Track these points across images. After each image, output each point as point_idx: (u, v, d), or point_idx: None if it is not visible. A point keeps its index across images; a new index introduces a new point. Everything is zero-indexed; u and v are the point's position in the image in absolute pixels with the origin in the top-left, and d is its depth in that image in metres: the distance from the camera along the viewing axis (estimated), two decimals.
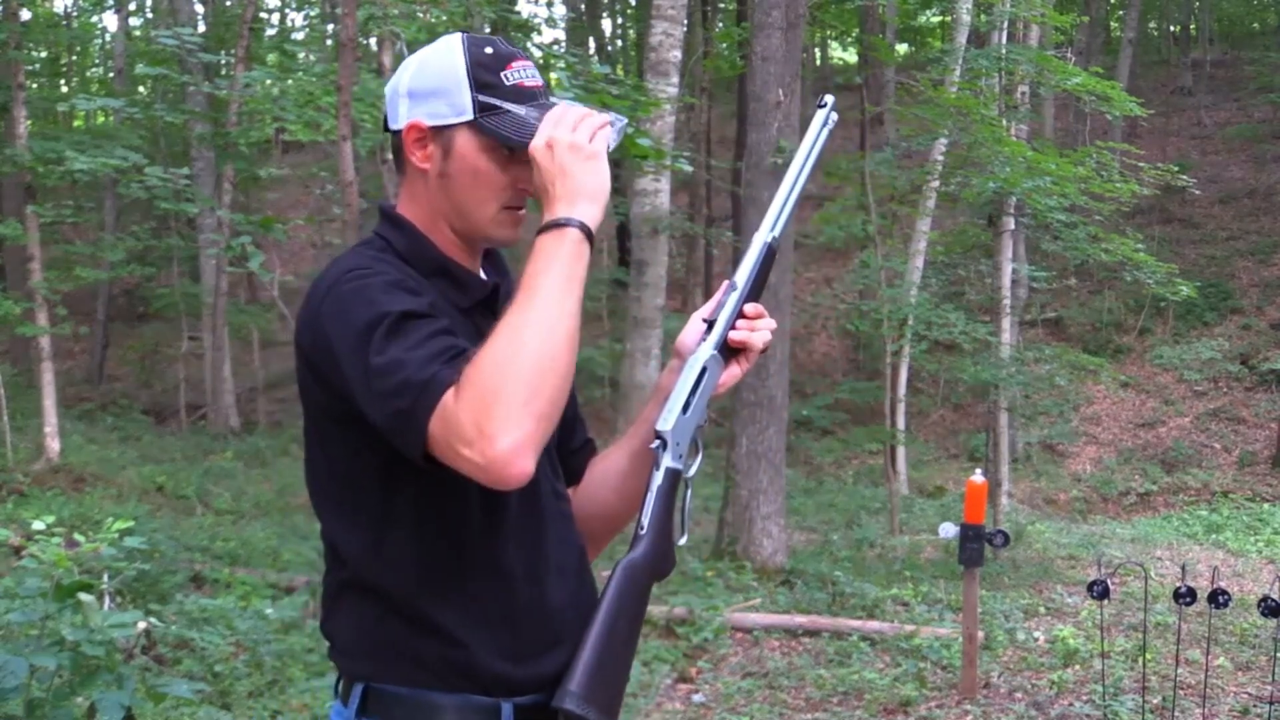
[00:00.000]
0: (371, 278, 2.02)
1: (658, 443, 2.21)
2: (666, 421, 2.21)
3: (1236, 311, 25.15)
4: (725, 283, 2.34)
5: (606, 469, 2.40)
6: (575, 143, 2.05)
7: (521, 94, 2.16)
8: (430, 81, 2.15)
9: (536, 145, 2.07)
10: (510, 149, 2.14)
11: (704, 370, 2.24)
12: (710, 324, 2.29)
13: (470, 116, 2.13)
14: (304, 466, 2.23)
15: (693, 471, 2.24)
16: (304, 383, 2.12)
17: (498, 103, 2.13)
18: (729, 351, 2.27)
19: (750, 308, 2.31)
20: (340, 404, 2.02)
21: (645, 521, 2.17)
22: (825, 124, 2.50)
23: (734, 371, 2.28)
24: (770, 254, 2.38)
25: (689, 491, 2.25)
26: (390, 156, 10.35)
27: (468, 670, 2.08)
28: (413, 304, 1.98)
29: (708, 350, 2.25)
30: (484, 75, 2.14)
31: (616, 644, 2.10)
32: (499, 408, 1.83)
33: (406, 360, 1.90)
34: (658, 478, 2.20)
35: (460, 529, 2.07)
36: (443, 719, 2.08)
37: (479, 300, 2.19)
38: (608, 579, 2.14)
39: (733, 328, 2.28)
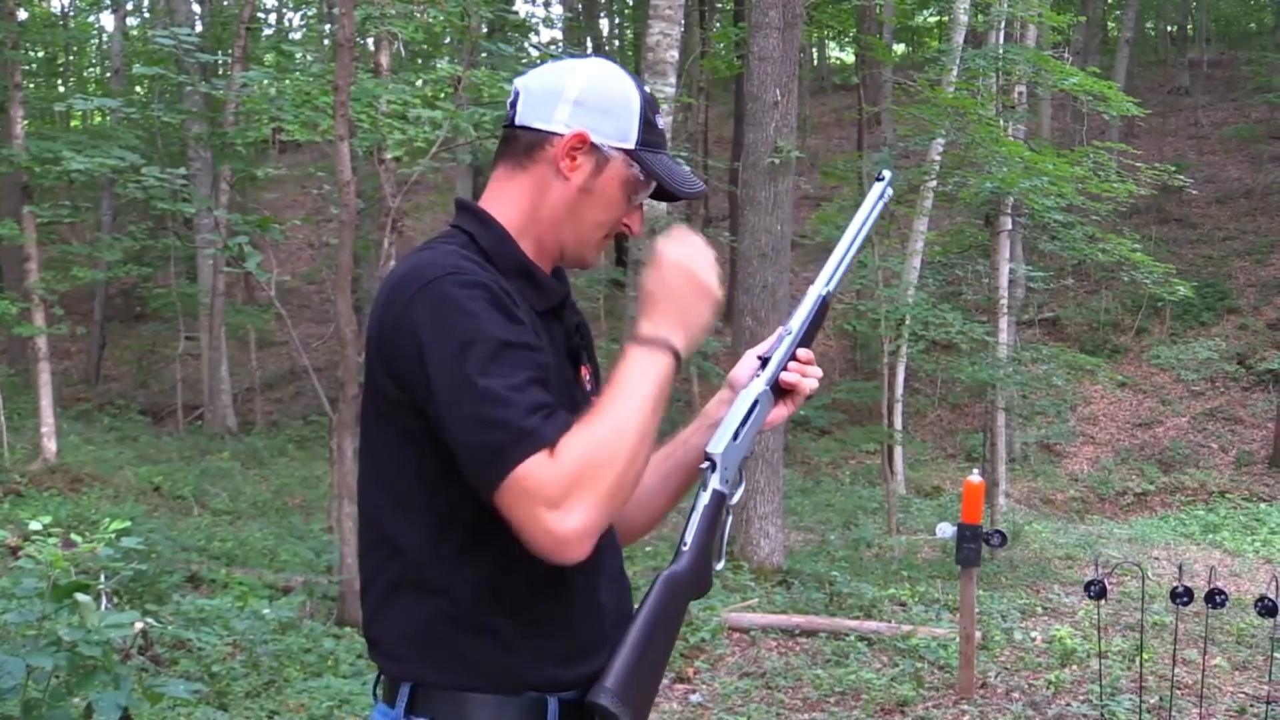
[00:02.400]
0: (474, 288, 2.01)
1: (707, 464, 2.26)
2: (718, 445, 2.26)
3: (1233, 311, 25.17)
4: (780, 327, 2.41)
5: None
6: (699, 277, 2.15)
7: (663, 141, 2.26)
8: (604, 99, 2.19)
9: (667, 254, 2.16)
10: (636, 189, 2.22)
11: (756, 403, 2.31)
12: (764, 361, 2.35)
13: (632, 146, 2.20)
14: (359, 457, 2.21)
15: (735, 499, 2.29)
16: (374, 373, 2.10)
17: (655, 142, 2.23)
18: (778, 391, 2.34)
19: (803, 353, 2.37)
20: (412, 402, 2.02)
21: (689, 538, 2.21)
22: (882, 197, 2.53)
23: (781, 411, 2.35)
24: (824, 306, 2.43)
25: (729, 518, 2.29)
26: (385, 158, 10.30)
27: (521, 672, 2.09)
28: (513, 333, 2.00)
29: (761, 385, 2.32)
30: (649, 113, 2.23)
31: (653, 652, 2.13)
32: (590, 489, 1.92)
33: (512, 400, 1.93)
34: (704, 498, 2.24)
35: (518, 550, 2.03)
36: (492, 716, 2.09)
37: (552, 305, 2.21)
38: (648, 588, 2.17)
39: (784, 369, 2.34)
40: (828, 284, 2.44)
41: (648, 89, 2.25)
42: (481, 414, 1.92)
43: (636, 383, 2.04)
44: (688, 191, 2.27)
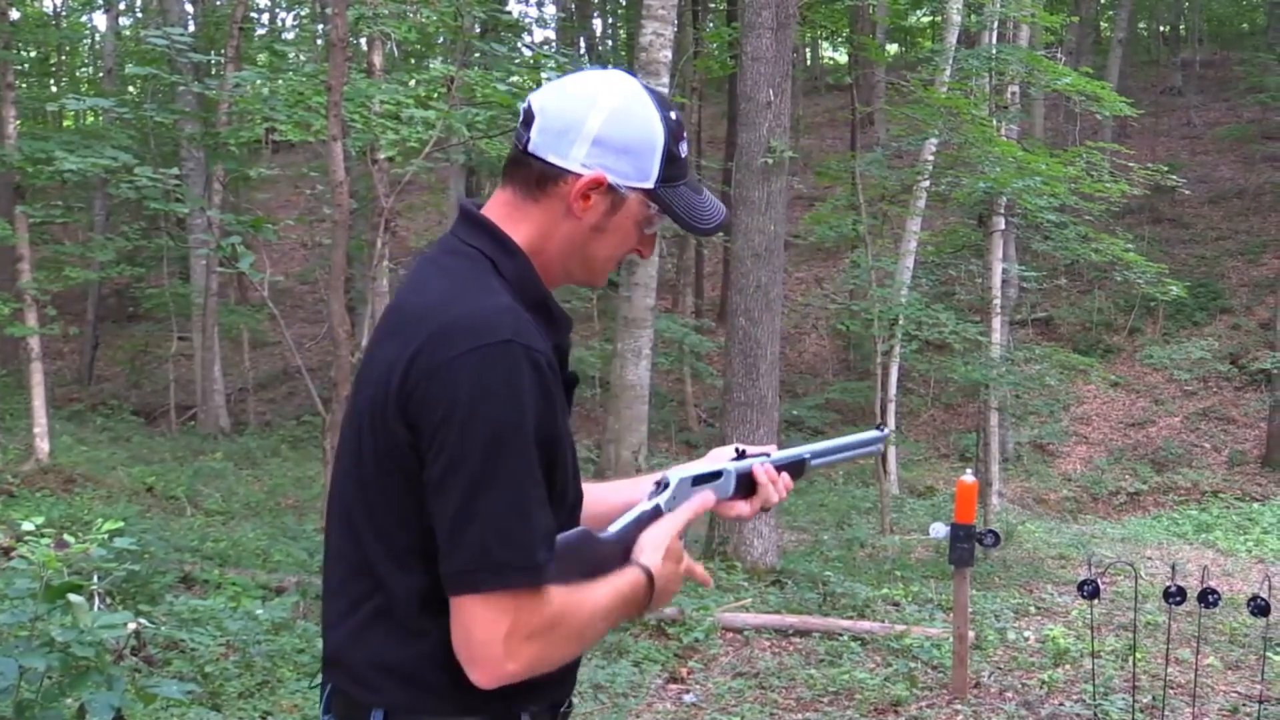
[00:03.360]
0: (529, 369, 1.94)
1: (662, 478, 2.29)
2: (676, 474, 2.30)
3: (1226, 311, 25.22)
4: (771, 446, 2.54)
5: (597, 515, 2.34)
6: (670, 590, 2.21)
7: (684, 171, 2.18)
8: (625, 138, 2.09)
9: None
10: (651, 222, 2.19)
11: (721, 472, 2.36)
12: (742, 454, 2.43)
13: (651, 185, 2.13)
14: (345, 483, 2.12)
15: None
16: (382, 409, 1.99)
17: (676, 176, 2.16)
18: (744, 485, 2.39)
19: (784, 477, 2.46)
20: (417, 449, 1.96)
21: (615, 526, 2.21)
22: (874, 445, 2.70)
23: (740, 506, 2.41)
24: (803, 465, 2.54)
25: None
26: (378, 158, 10.30)
27: (496, 701, 2.05)
28: (549, 427, 1.98)
29: (731, 465, 2.39)
30: (673, 147, 2.14)
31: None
32: (546, 650, 1.97)
33: (531, 519, 1.94)
34: (645, 505, 2.25)
35: None
36: None
37: (561, 338, 2.16)
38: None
39: (759, 470, 2.41)
40: (814, 456, 2.55)
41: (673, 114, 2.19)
42: (496, 521, 1.90)
43: (617, 587, 2.09)
44: (706, 226, 2.23)
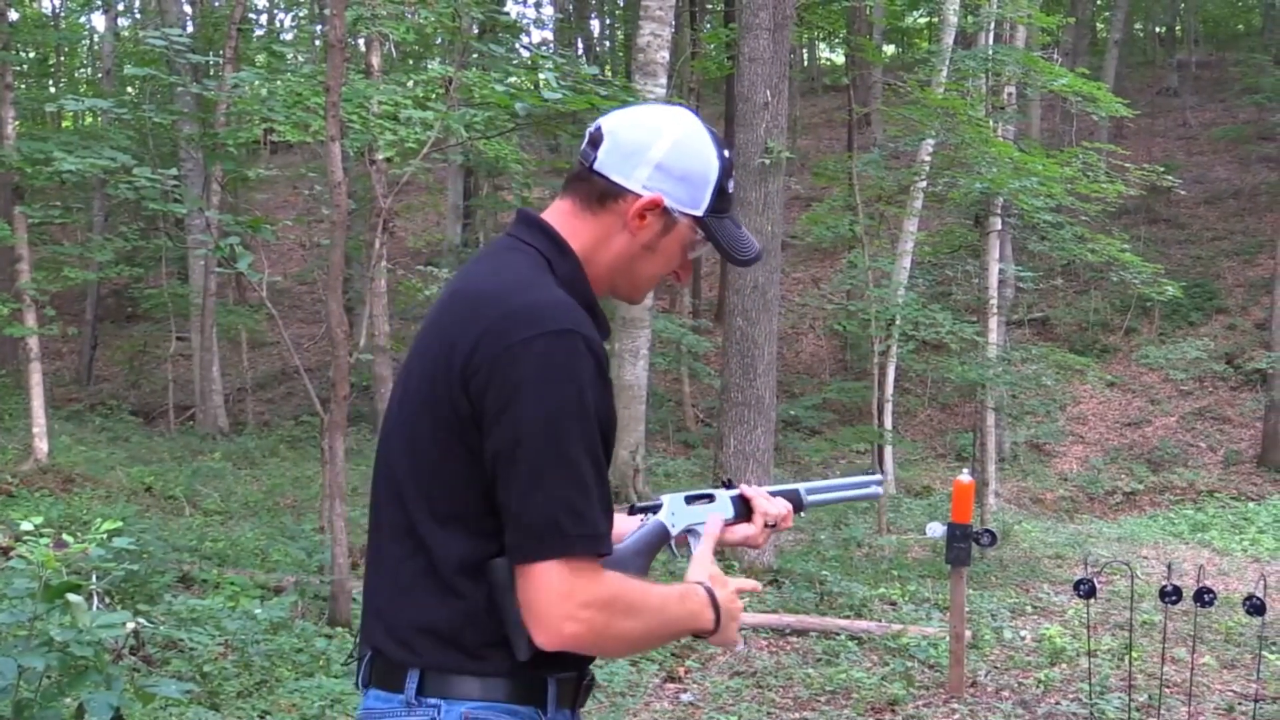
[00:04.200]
0: (588, 355, 2.08)
1: (651, 504, 2.48)
2: (667, 497, 2.47)
3: (1222, 311, 25.23)
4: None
5: None
6: (735, 610, 2.38)
7: (730, 205, 2.37)
8: (686, 166, 2.26)
9: (716, 580, 2.37)
10: (695, 247, 2.35)
11: (713, 495, 2.51)
12: (729, 483, 2.59)
13: (700, 214, 2.30)
14: (395, 450, 2.25)
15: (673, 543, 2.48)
16: (445, 384, 2.12)
17: (723, 208, 2.34)
18: (741, 508, 2.56)
19: (782, 501, 2.64)
20: (480, 425, 2.08)
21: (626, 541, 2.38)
22: (866, 488, 2.84)
23: (745, 529, 2.57)
24: (798, 497, 2.68)
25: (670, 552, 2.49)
26: (377, 159, 10.31)
27: (536, 660, 2.14)
28: (605, 410, 2.11)
29: (723, 491, 2.54)
30: (724, 182, 2.32)
31: None
32: (599, 620, 2.06)
33: (593, 493, 2.06)
34: (648, 522, 2.44)
35: None
36: (500, 695, 2.16)
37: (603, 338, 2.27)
38: None
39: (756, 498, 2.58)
40: (809, 492, 2.71)
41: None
42: (562, 494, 2.02)
43: (690, 604, 2.27)
44: (745, 258, 2.41)
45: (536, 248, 2.24)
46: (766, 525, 2.58)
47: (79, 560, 4.85)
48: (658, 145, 2.24)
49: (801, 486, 2.67)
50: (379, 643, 2.23)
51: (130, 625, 5.53)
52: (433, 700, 2.15)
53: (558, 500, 2.01)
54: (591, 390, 2.06)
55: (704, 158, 2.28)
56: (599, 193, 2.26)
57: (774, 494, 2.61)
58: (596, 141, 2.26)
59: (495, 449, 2.05)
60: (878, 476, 2.85)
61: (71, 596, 4.39)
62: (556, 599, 2.01)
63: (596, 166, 2.25)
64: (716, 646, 2.34)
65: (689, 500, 2.47)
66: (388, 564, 2.22)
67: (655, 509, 2.43)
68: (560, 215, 2.29)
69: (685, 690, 7.55)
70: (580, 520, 2.02)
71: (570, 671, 2.22)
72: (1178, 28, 40.01)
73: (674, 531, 2.43)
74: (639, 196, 2.23)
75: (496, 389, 2.05)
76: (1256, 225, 27.69)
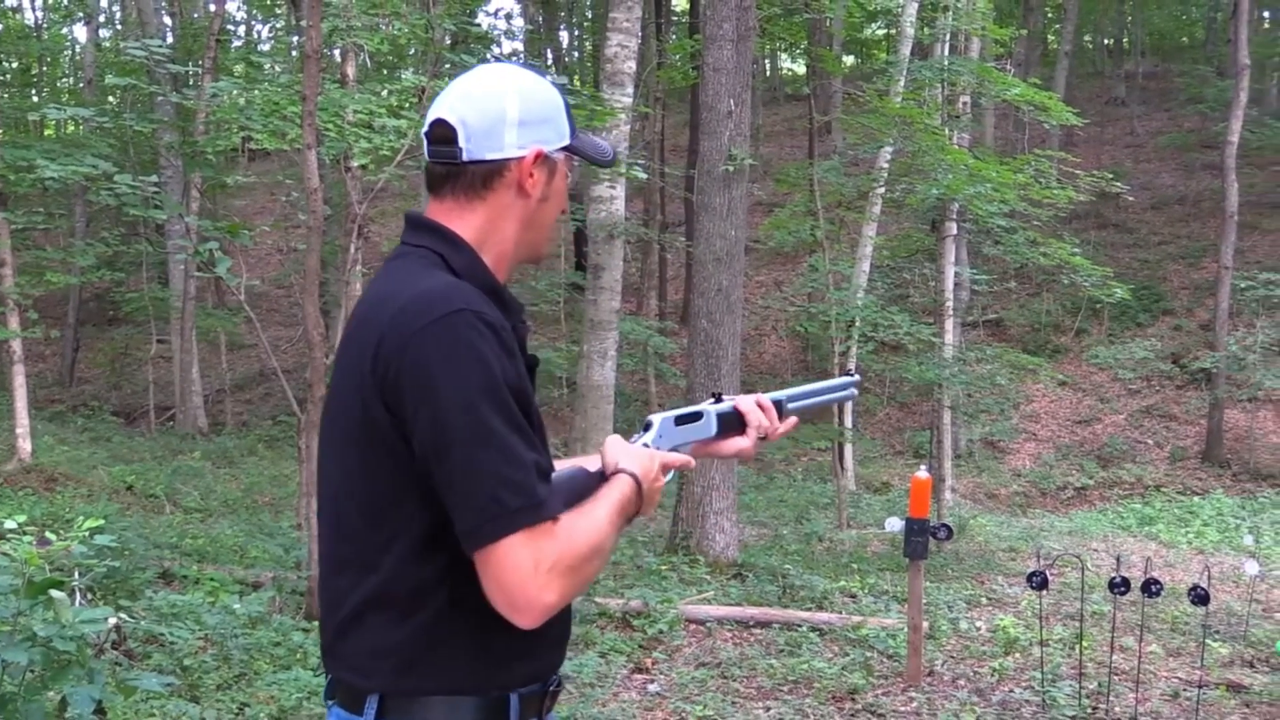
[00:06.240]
0: (487, 329, 2.03)
1: (646, 421, 2.43)
2: (659, 416, 2.43)
3: (1168, 313, 25.40)
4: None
5: None
6: (656, 490, 2.29)
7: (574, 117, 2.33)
8: (541, 110, 2.22)
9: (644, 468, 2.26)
10: (571, 173, 2.33)
11: (702, 414, 2.49)
12: (719, 398, 2.57)
13: (568, 141, 2.28)
14: (332, 474, 2.18)
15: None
16: (360, 392, 2.07)
17: (575, 126, 2.31)
18: (731, 426, 2.54)
19: (767, 400, 2.64)
20: (401, 429, 2.02)
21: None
22: (847, 390, 2.84)
23: (739, 442, 2.56)
24: (780, 406, 2.67)
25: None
26: (352, 166, 10.27)
27: (491, 674, 2.11)
28: (517, 381, 2.06)
29: (711, 407, 2.52)
30: (569, 102, 2.30)
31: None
32: (571, 578, 2.01)
33: (525, 461, 2.00)
34: (639, 439, 2.39)
35: None
36: (463, 714, 2.10)
37: (515, 322, 2.21)
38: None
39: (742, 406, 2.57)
40: (790, 400, 2.69)
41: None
42: (497, 471, 1.96)
43: (607, 494, 2.15)
44: (608, 158, 2.39)
45: (427, 246, 2.19)
46: (759, 437, 2.57)
47: (62, 557, 4.83)
48: (509, 106, 2.18)
49: (783, 394, 2.64)
50: (337, 672, 2.17)
51: (112, 621, 5.50)
52: None
53: (493, 478, 1.95)
54: (498, 363, 2.00)
55: (546, 93, 2.24)
56: (482, 177, 2.20)
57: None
58: (448, 138, 2.19)
59: (422, 446, 1.99)
60: (854, 378, 2.84)
61: (54, 593, 4.37)
62: (527, 574, 1.94)
63: (468, 157, 2.18)
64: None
65: (678, 421, 2.44)
66: (336, 597, 2.15)
67: (647, 428, 2.40)
68: (444, 214, 2.23)
69: (652, 681, 7.55)
70: (520, 492, 1.95)
71: (534, 685, 2.18)
72: (1125, 40, 40.25)
73: (663, 449, 2.39)
74: (521, 159, 2.19)
75: (408, 386, 1.99)
76: (1201, 230, 27.88)
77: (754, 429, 2.55)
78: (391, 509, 2.06)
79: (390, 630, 2.07)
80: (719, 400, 2.53)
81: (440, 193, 2.24)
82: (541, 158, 2.22)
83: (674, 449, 2.41)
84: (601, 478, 2.22)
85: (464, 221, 2.21)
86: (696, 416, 2.47)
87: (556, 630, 2.21)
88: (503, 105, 2.18)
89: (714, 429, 2.49)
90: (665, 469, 2.32)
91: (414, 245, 2.21)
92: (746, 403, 2.56)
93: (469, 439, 1.95)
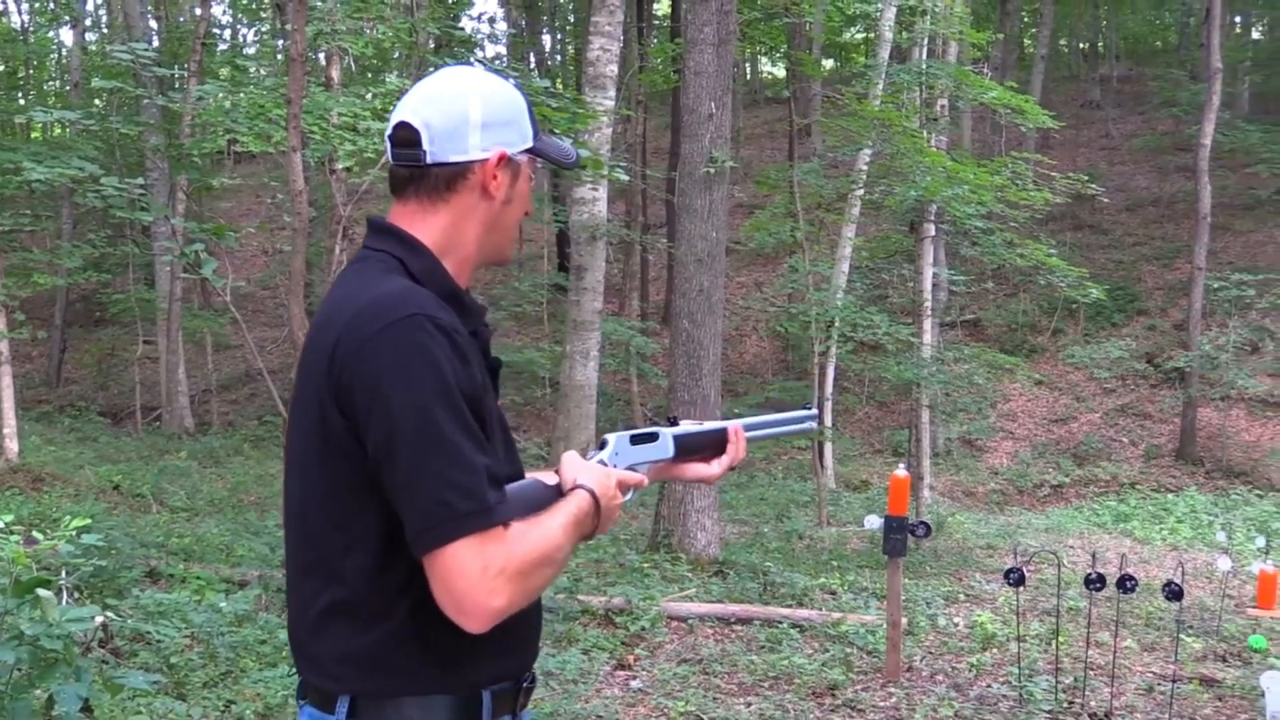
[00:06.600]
0: (441, 334, 2.00)
1: (602, 440, 2.39)
2: (614, 435, 2.40)
3: (1142, 313, 25.47)
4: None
5: None
6: (614, 508, 2.25)
7: (538, 121, 2.31)
8: (504, 112, 2.20)
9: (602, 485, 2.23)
10: (534, 174, 2.31)
11: (657, 434, 2.44)
12: (675, 421, 2.51)
13: (532, 143, 2.26)
14: (296, 481, 2.17)
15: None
16: (318, 397, 2.06)
17: (539, 128, 2.29)
18: (686, 450, 2.48)
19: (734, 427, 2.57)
20: (357, 434, 2.00)
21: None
22: (805, 423, 2.77)
23: (703, 468, 2.52)
24: (730, 434, 2.56)
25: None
26: (336, 168, 10.25)
27: (460, 674, 2.09)
28: (470, 386, 2.02)
29: (668, 430, 2.47)
30: (529, 103, 2.27)
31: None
32: (521, 584, 1.98)
33: (475, 466, 1.97)
34: (595, 456, 2.36)
35: None
36: (435, 714, 2.09)
37: (476, 327, 2.19)
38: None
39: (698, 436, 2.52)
40: (750, 428, 2.60)
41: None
42: (446, 475, 1.93)
43: (563, 508, 2.13)
44: (572, 161, 2.37)
45: (387, 251, 2.17)
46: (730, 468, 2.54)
47: (49, 556, 4.82)
48: (472, 109, 2.16)
49: (743, 422, 2.59)
50: (307, 675, 2.16)
51: (99, 619, 5.49)
52: None
53: (442, 482, 1.93)
54: (450, 366, 1.98)
55: (509, 95, 2.22)
56: (445, 180, 2.17)
57: (710, 431, 2.53)
58: (411, 141, 2.17)
59: (374, 449, 1.97)
60: (813, 412, 2.80)
61: (41, 591, 4.35)
62: (476, 578, 1.92)
63: (431, 160, 2.16)
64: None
65: (634, 440, 2.41)
66: (302, 601, 2.14)
67: (602, 447, 2.38)
68: (406, 215, 2.21)
69: (635, 677, 7.55)
70: (469, 496, 1.93)
71: (507, 682, 2.17)
72: (1100, 44, 40.34)
73: (619, 468, 2.35)
74: (484, 161, 2.17)
75: (360, 390, 1.98)
76: (1174, 231, 27.97)
77: (730, 459, 2.53)
78: (351, 514, 2.05)
79: (356, 635, 2.06)
80: (675, 424, 2.49)
81: (404, 195, 2.22)
82: (505, 160, 2.20)
83: (630, 468, 2.38)
84: (558, 491, 2.19)
85: (427, 224, 2.19)
86: (652, 437, 2.44)
87: (527, 628, 2.21)
88: (466, 108, 2.16)
89: (670, 451, 2.45)
90: (622, 487, 2.29)
91: (374, 250, 2.19)
92: (733, 431, 2.54)
93: (418, 442, 1.94)
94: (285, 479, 2.21)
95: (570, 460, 2.28)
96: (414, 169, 2.18)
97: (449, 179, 2.18)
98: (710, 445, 2.52)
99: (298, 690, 2.20)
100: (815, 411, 2.84)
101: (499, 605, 1.94)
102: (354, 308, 2.04)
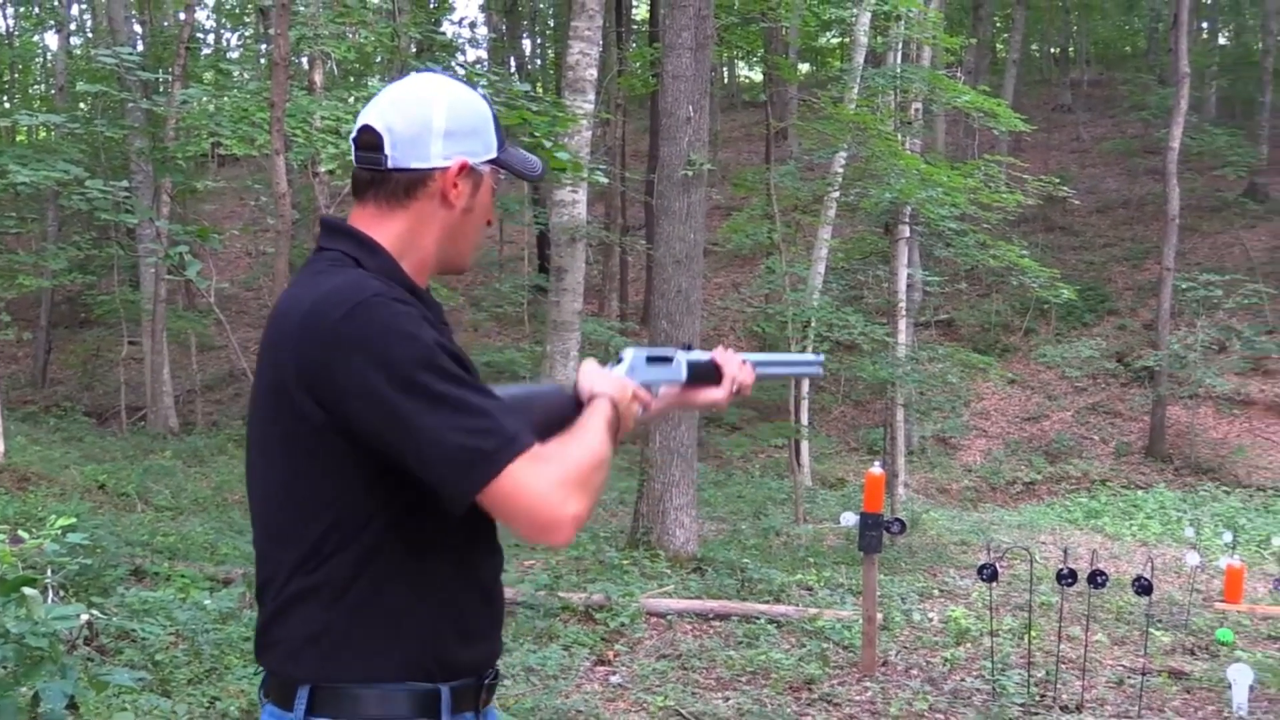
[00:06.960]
0: (403, 305, 1.99)
1: (619, 354, 2.42)
2: (632, 350, 2.44)
3: (1113, 313, 25.59)
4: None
5: None
6: (632, 412, 2.31)
7: (505, 130, 2.27)
8: (468, 121, 2.17)
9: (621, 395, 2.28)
10: (498, 186, 2.28)
11: (672, 357, 2.47)
12: (689, 348, 2.54)
13: (495, 154, 2.22)
14: (260, 475, 2.14)
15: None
16: (274, 395, 2.04)
17: (504, 139, 2.25)
18: (699, 378, 2.51)
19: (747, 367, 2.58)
20: (335, 424, 1.97)
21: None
22: (812, 367, 2.82)
23: (713, 393, 2.53)
24: (738, 365, 2.58)
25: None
26: (319, 171, 10.23)
27: (422, 656, 2.06)
28: (450, 346, 2.01)
29: (683, 354, 2.49)
30: (495, 113, 2.24)
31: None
32: (584, 489, 1.99)
33: (487, 408, 1.95)
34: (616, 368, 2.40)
35: (440, 539, 2.06)
36: (393, 708, 2.05)
37: (439, 321, 2.16)
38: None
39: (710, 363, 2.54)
40: (757, 365, 2.60)
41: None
42: (463, 424, 1.91)
43: (592, 417, 2.17)
44: (537, 173, 2.34)
45: (341, 250, 2.13)
46: (732, 391, 2.54)
47: (34, 555, 4.79)
48: (436, 116, 2.13)
49: (752, 357, 2.60)
50: (268, 664, 2.12)
51: (84, 617, 5.47)
52: (325, 719, 2.04)
53: (460, 433, 1.91)
54: (423, 331, 1.97)
55: (475, 105, 2.18)
56: (405, 186, 2.14)
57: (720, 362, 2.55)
58: (374, 144, 2.13)
59: (375, 430, 1.94)
60: (819, 357, 2.82)
61: (27, 590, 4.33)
62: (544, 490, 1.93)
63: (393, 165, 2.12)
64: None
65: (650, 360, 2.43)
66: (266, 590, 2.11)
67: (619, 361, 2.40)
68: (365, 220, 2.16)
69: (614, 672, 7.55)
70: (489, 434, 1.92)
71: (468, 678, 2.13)
72: (1071, 49, 40.53)
73: (635, 381, 2.37)
74: (445, 169, 2.14)
75: (335, 382, 1.95)
76: (1144, 233, 28.09)
77: (730, 380, 2.52)
78: (313, 501, 2.02)
79: (318, 615, 2.03)
80: (688, 349, 2.51)
81: (364, 198, 2.18)
82: (466, 169, 2.16)
83: (645, 384, 2.40)
84: (575, 400, 2.24)
85: (384, 228, 2.15)
86: (667, 359, 2.46)
87: (488, 619, 2.18)
88: (430, 115, 2.13)
89: (683, 375, 2.47)
90: (636, 400, 2.32)
91: (328, 249, 2.15)
92: (724, 356, 2.54)
93: (422, 410, 1.91)
94: (248, 475, 2.19)
95: (589, 369, 2.32)
96: (375, 173, 2.15)
97: (409, 185, 2.14)
98: (719, 377, 2.54)
99: (260, 687, 2.16)
100: (821, 357, 2.86)
101: (575, 510, 1.95)
102: (313, 299, 2.01)
